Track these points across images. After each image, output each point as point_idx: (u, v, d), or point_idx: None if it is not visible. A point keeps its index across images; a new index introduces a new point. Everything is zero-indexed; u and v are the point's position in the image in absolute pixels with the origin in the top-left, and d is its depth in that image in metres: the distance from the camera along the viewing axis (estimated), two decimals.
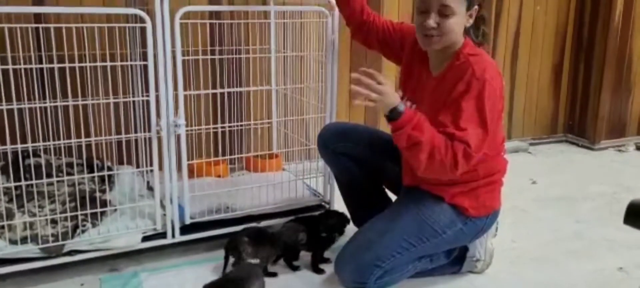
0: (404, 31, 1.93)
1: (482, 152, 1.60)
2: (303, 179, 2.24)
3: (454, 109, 1.59)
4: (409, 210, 1.73)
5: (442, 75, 1.71)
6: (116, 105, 1.98)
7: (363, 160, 1.92)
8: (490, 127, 1.58)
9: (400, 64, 1.94)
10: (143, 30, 1.75)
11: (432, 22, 1.63)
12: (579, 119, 3.75)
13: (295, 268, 1.90)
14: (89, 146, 1.93)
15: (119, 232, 1.87)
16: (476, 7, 1.69)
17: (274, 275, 1.85)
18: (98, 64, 1.85)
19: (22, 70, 1.92)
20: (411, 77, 1.83)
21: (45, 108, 2.06)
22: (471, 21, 1.70)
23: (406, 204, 1.79)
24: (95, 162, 2.18)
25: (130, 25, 2.08)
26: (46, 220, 1.83)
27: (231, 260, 1.80)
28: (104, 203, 1.95)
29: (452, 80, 1.65)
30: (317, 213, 2.06)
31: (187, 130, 1.91)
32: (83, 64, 1.84)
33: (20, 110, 1.86)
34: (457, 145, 1.54)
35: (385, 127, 1.80)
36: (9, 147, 1.73)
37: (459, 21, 1.65)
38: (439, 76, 1.72)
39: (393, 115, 1.56)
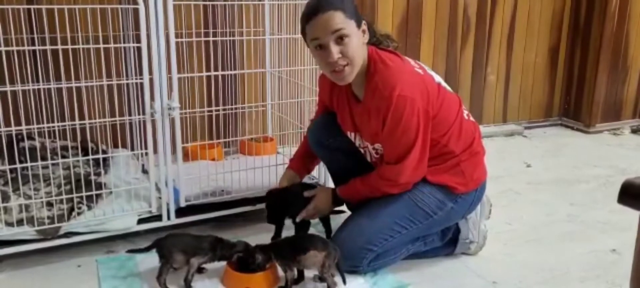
0: (321, 91, 1.92)
1: (423, 164, 1.68)
2: None
3: (383, 142, 1.69)
4: (399, 193, 1.73)
5: (365, 99, 1.70)
6: (110, 88, 1.97)
7: (356, 151, 1.90)
8: (421, 135, 1.62)
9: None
10: (136, 11, 1.73)
11: (335, 54, 1.58)
12: (574, 103, 3.76)
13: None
14: (83, 129, 1.92)
15: (114, 214, 1.88)
16: (364, 21, 1.64)
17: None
18: (91, 46, 1.84)
19: (15, 52, 1.91)
20: (344, 113, 1.81)
21: (39, 90, 2.05)
22: (367, 36, 1.65)
23: None
24: (90, 145, 2.18)
25: (123, 6, 2.07)
26: (42, 202, 1.83)
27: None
28: (99, 186, 1.95)
29: (372, 103, 1.65)
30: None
31: (181, 113, 1.91)
32: (76, 46, 1.83)
33: (13, 93, 1.84)
34: (383, 183, 1.72)
35: None
36: (2, 130, 1.72)
37: (357, 41, 1.60)
38: (363, 100, 1.71)
39: (339, 203, 1.87)
